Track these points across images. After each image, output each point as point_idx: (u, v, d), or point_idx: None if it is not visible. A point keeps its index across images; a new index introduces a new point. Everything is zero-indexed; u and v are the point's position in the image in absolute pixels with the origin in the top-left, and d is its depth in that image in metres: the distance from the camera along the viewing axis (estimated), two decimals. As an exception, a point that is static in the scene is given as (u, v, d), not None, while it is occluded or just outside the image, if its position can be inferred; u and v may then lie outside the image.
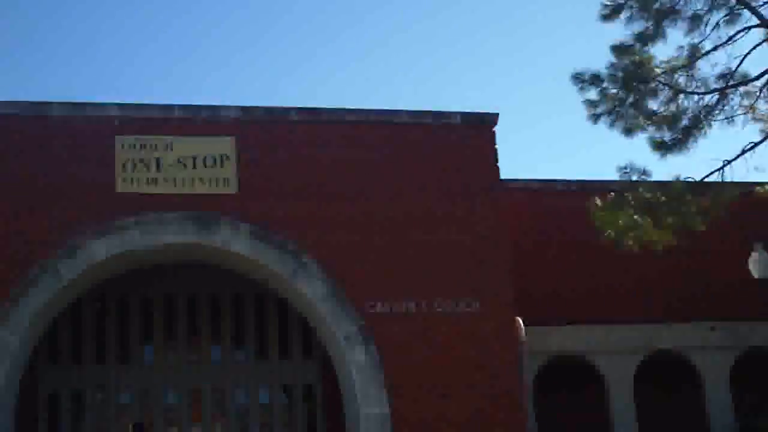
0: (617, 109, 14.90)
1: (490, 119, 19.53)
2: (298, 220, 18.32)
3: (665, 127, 14.89)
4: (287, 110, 18.97)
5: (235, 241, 18.12)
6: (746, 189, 15.51)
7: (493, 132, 19.50)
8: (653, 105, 14.90)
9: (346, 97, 49.54)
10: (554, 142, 49.17)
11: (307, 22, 48.17)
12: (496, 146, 19.38)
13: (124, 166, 18.11)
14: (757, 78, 14.45)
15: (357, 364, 18.07)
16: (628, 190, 14.62)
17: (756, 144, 14.40)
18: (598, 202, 15.10)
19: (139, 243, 17.94)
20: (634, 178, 14.59)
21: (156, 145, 18.21)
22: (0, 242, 17.37)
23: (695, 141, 14.69)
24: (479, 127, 19.47)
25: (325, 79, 49.27)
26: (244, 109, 18.82)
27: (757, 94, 14.65)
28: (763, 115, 14.75)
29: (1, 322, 17.01)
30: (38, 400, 20.44)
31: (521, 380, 18.51)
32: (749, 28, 14.46)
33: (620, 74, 14.73)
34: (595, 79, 15.01)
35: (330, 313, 18.10)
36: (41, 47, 46.81)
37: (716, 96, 14.68)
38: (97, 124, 18.16)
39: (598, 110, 15.15)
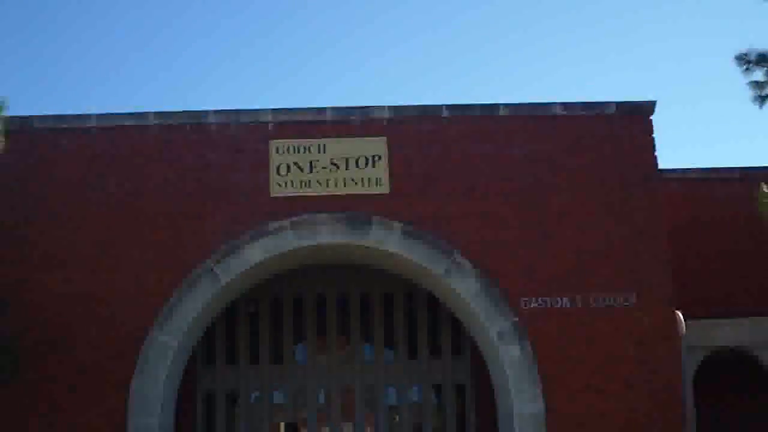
0: (786, 89, 14.19)
1: (647, 108, 19.01)
2: (450, 217, 18.24)
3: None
4: (438, 108, 18.86)
5: (387, 240, 18.17)
6: None
7: (650, 121, 18.96)
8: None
9: (496, 90, 49.10)
10: (713, 127, 47.25)
11: (450, 20, 48.01)
12: (654, 136, 18.81)
13: (278, 169, 18.31)
14: None
15: (511, 360, 17.90)
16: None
17: None
18: (765, 188, 14.43)
19: (294, 244, 18.19)
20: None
21: (309, 147, 18.34)
22: (159, 248, 17.91)
23: None
24: (635, 117, 18.96)
25: (472, 74, 49.00)
26: (396, 109, 18.82)
27: None
28: None
29: (161, 326, 17.53)
30: (196, 400, 20.96)
31: (682, 376, 18.04)
32: None
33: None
34: (762, 59, 14.39)
35: (483, 310, 17.97)
36: (197, 59, 48.16)
37: None
38: (252, 129, 18.49)
39: (765, 91, 14.48)
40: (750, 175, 20.04)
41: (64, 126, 18.46)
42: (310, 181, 18.25)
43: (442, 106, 18.81)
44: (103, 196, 18.09)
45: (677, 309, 18.33)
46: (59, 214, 18.08)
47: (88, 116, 18.48)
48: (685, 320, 18.40)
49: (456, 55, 48.54)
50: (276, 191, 18.24)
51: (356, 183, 18.31)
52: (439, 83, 47.93)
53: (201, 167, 18.29)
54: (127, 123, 18.49)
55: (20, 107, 46.39)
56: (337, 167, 18.32)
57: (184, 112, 18.48)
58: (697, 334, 18.97)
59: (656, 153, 18.78)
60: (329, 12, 48.82)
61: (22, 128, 18.24)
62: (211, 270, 17.80)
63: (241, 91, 47.54)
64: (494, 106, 18.94)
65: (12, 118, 17.16)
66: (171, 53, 47.17)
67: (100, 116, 18.49)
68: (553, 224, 18.46)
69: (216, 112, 18.59)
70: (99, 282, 17.71)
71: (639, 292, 18.16)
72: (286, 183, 18.29)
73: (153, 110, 18.48)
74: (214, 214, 18.05)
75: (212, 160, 18.27)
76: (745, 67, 14.59)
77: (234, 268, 17.97)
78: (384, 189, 18.36)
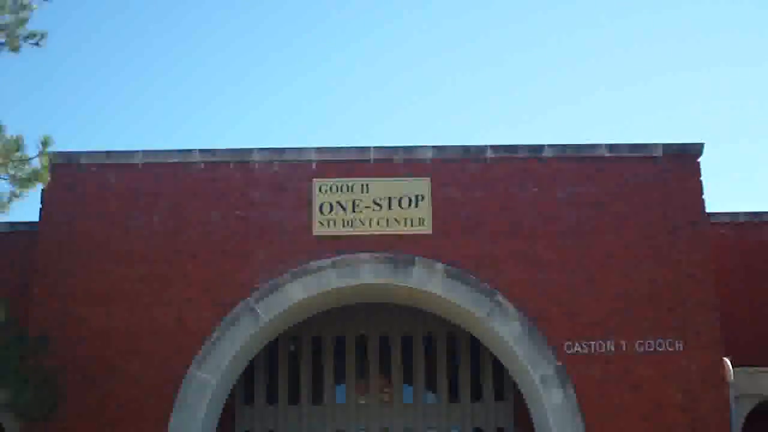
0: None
1: (695, 150, 18.79)
2: (493, 259, 18.10)
3: None
4: (483, 148, 18.79)
5: (429, 281, 18.05)
6: None
7: (698, 163, 18.72)
8: None
9: (541, 131, 48.91)
10: (763, 170, 46.45)
11: (496, 61, 47.96)
12: (701, 178, 18.55)
13: (321, 208, 18.27)
14: None
15: (553, 406, 17.60)
16: None
17: None
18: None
19: (335, 284, 18.12)
20: None
21: (353, 186, 18.29)
22: (200, 285, 17.92)
23: None
24: (682, 159, 18.74)
25: (517, 115, 48.86)
26: (440, 149, 18.76)
27: None
28: None
29: (201, 364, 17.50)
30: (235, 439, 20.64)
31: (730, 426, 17.59)
32: None
33: None
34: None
35: (525, 354, 17.75)
36: (243, 95, 48.64)
37: None
38: (296, 168, 18.55)
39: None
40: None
41: (111, 162, 18.65)
42: (352, 220, 18.20)
43: (486, 146, 18.73)
44: (146, 232, 18.18)
45: (725, 356, 17.94)
46: (103, 249, 18.16)
47: (134, 153, 18.65)
48: (733, 367, 17.97)
49: (501, 95, 48.45)
50: (318, 230, 18.22)
51: (399, 223, 18.24)
52: (483, 124, 47.87)
53: (244, 205, 18.35)
54: (172, 160, 18.62)
55: (67, 142, 47.28)
56: (380, 207, 18.26)
57: (228, 149, 18.60)
58: (746, 382, 18.52)
59: (704, 196, 18.56)
60: (375, 53, 49.17)
61: (69, 164, 18.46)
62: (252, 308, 17.76)
63: (285, 129, 47.86)
64: (539, 147, 18.82)
65: (59, 153, 17.36)
66: (216, 90, 47.71)
67: (146, 153, 18.65)
68: (597, 267, 18.21)
69: (260, 149, 18.66)
70: (140, 318, 17.75)
71: (686, 337, 17.85)
72: (328, 222, 18.25)
73: (198, 147, 18.65)
74: (257, 252, 18.05)
75: (255, 197, 18.31)
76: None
77: (275, 306, 17.93)
78: (427, 229, 18.25)
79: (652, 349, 17.85)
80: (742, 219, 21.40)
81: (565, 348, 17.71)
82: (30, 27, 14.26)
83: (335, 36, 48.17)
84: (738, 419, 18.33)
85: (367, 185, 18.52)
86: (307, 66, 47.56)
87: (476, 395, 21.69)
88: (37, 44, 14.44)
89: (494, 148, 18.84)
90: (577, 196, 18.61)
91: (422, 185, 18.55)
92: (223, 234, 18.28)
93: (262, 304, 18.01)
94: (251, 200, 18.41)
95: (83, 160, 18.72)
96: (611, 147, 18.84)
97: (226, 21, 47.15)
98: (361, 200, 18.42)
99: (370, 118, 49.05)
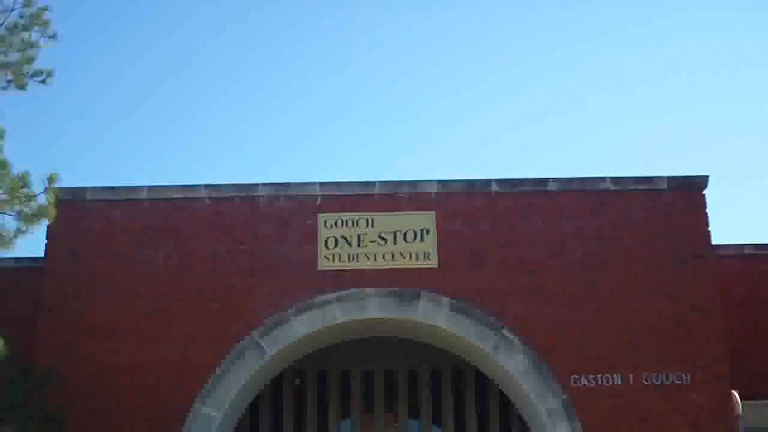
0: None
1: (699, 182, 18.77)
2: (498, 292, 18.05)
3: None
4: (487, 182, 18.82)
5: (435, 315, 17.97)
6: None
7: (703, 195, 18.71)
8: None
9: (545, 165, 48.97)
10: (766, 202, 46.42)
11: (500, 95, 48.07)
12: (707, 211, 18.55)
13: (326, 242, 18.28)
14: None
15: (561, 440, 17.30)
16: None
17: None
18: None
19: (340, 319, 18.08)
20: None
21: (357, 221, 18.29)
22: (206, 320, 17.89)
23: None
24: (688, 191, 18.72)
25: (521, 148, 48.94)
26: (444, 183, 18.78)
27: None
28: None
29: (206, 398, 17.44)
30: (240, 474, 20.58)
31: (739, 459, 17.27)
32: None
33: None
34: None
35: (532, 388, 17.69)
36: (249, 132, 48.80)
37: None
38: (301, 202, 18.59)
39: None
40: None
41: (116, 198, 18.69)
42: (357, 254, 18.18)
43: (491, 180, 18.78)
44: (151, 268, 18.18)
45: (733, 388, 17.85)
46: (108, 284, 18.14)
47: (139, 188, 18.72)
48: (741, 400, 17.86)
49: (505, 129, 48.54)
50: (324, 265, 18.20)
51: (404, 257, 18.20)
52: (488, 158, 47.94)
53: (249, 239, 18.33)
54: (177, 195, 18.67)
55: (73, 178, 47.28)
56: (385, 241, 18.26)
57: (233, 185, 18.63)
58: (754, 415, 18.44)
59: (709, 228, 18.50)
60: (381, 92, 49.38)
61: (75, 199, 18.51)
62: (257, 343, 17.73)
63: (290, 164, 47.96)
64: (544, 181, 18.85)
65: (65, 189, 17.40)
66: (223, 126, 47.85)
67: (151, 188, 18.71)
68: (603, 301, 18.15)
69: (265, 185, 18.71)
70: (145, 353, 17.70)
71: (693, 370, 17.73)
72: (333, 256, 18.21)
73: (203, 183, 18.70)
74: (262, 286, 18.04)
75: (260, 232, 18.31)
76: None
77: (280, 340, 17.88)
78: (432, 263, 18.21)
79: (659, 382, 17.73)
80: (748, 251, 21.30)
81: (571, 381, 17.62)
82: (36, 63, 14.34)
83: (339, 71, 48.42)
84: (747, 453, 18.04)
85: (372, 219, 18.49)
86: (314, 103, 47.75)
87: (483, 429, 21.55)
88: (43, 81, 14.54)
89: (499, 182, 18.85)
90: (583, 228, 18.54)
91: (427, 219, 18.51)
92: (228, 269, 18.24)
93: (267, 339, 17.91)
94: (256, 235, 18.40)
95: (89, 196, 18.77)
96: (616, 180, 18.86)
97: (230, 55, 47.43)
98: (366, 234, 18.38)
99: (376, 153, 49.14)
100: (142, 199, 18.65)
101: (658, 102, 47.23)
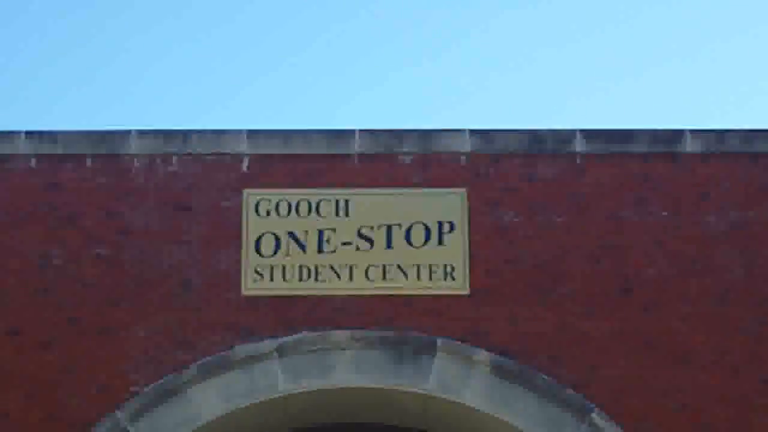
0: None
1: None
2: (585, 343, 12.57)
3: None
4: (568, 135, 13.40)
5: (462, 385, 12.59)
6: None
7: None
8: None
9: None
10: None
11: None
12: None
13: (258, 244, 13.19)
14: None
15: None
16: None
17: None
18: None
19: (283, 388, 12.49)
20: None
21: (319, 204, 13.28)
22: (27, 393, 12.14)
23: None
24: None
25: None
26: (484, 136, 13.18)
27: None
28: None
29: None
30: None
31: None
32: None
33: None
34: None
35: None
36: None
37: None
38: (212, 167, 13.19)
39: None
40: None
41: None
42: (317, 267, 12.84)
43: (574, 131, 13.32)
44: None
45: None
46: None
47: None
48: None
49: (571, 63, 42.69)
50: (252, 286, 12.94)
51: (406, 274, 12.56)
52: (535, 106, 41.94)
53: (111, 236, 12.64)
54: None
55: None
56: (371, 243, 12.82)
57: (79, 133, 13.02)
58: None
59: None
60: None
61: None
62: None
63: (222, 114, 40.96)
64: (677, 134, 13.08)
65: None
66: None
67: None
68: None
69: (141, 132, 13.06)
70: None
71: None
72: (271, 270, 12.78)
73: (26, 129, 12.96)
74: (131, 326, 12.62)
75: (132, 223, 13.28)
76: None
77: (167, 429, 12.06)
78: (459, 286, 12.25)
79: None
80: None
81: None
82: None
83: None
84: None
85: (346, 202, 12.37)
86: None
87: None
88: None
89: (588, 134, 12.51)
90: (748, 223, 12.09)
91: (451, 203, 12.47)
92: (68, 293, 11.96)
93: (141, 425, 11.65)
94: (124, 228, 12.23)
95: None
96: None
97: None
98: (334, 230, 12.28)
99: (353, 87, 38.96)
100: None
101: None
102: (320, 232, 12.04)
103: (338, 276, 12.01)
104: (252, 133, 12.33)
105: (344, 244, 12.02)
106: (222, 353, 11.66)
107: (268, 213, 12.17)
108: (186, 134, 12.51)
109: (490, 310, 11.97)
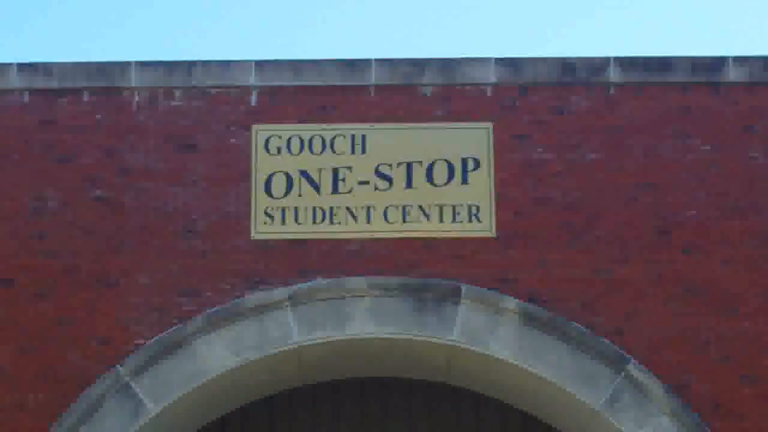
0: None
1: None
2: (621, 290, 12.18)
3: None
4: (601, 63, 13.10)
5: (490, 334, 12.37)
6: None
7: None
8: None
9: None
10: None
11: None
12: None
13: (268, 184, 13.16)
14: None
15: None
16: None
17: None
18: None
19: (297, 339, 12.35)
20: None
21: (333, 140, 12.98)
22: (23, 342, 12.23)
23: None
24: None
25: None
26: (513, 64, 13.00)
27: None
28: None
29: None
30: None
31: None
32: None
33: None
34: None
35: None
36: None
37: None
38: (218, 100, 13.09)
39: None
40: None
41: None
42: (332, 209, 12.52)
43: (609, 59, 13.08)
44: None
45: None
46: None
47: None
48: None
49: None
50: (262, 229, 12.52)
51: (428, 216, 12.29)
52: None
53: (110, 177, 12.37)
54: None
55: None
56: (389, 183, 12.53)
57: (74, 64, 12.78)
58: None
59: None
60: None
61: None
62: (127, 386, 11.96)
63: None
64: (718, 62, 13.08)
65: None
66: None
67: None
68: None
69: (142, 64, 12.84)
70: None
71: None
72: (283, 212, 12.54)
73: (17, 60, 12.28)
74: (133, 273, 12.53)
75: (131, 163, 12.83)
76: None
77: (172, 383, 11.85)
78: (485, 228, 11.91)
79: None
80: None
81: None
82: None
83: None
84: None
85: (362, 138, 11.94)
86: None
87: None
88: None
89: (621, 63, 12.00)
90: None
91: (476, 138, 12.05)
92: (64, 236, 11.59)
93: (145, 380, 11.32)
94: (124, 168, 11.85)
95: None
96: None
97: None
98: (350, 168, 11.90)
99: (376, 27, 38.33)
100: None
101: None
102: (335, 171, 11.69)
103: (355, 218, 11.69)
104: (260, 64, 11.80)
105: (361, 183, 11.70)
106: (230, 302, 11.34)
107: (278, 150, 11.71)
108: (190, 65, 12.02)
109: (518, 254, 11.60)
